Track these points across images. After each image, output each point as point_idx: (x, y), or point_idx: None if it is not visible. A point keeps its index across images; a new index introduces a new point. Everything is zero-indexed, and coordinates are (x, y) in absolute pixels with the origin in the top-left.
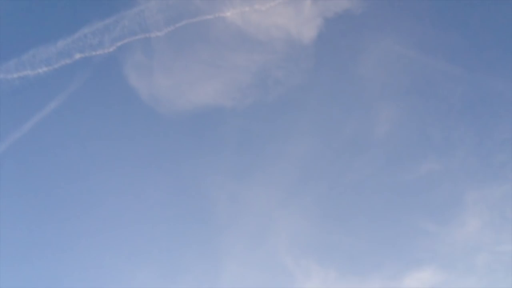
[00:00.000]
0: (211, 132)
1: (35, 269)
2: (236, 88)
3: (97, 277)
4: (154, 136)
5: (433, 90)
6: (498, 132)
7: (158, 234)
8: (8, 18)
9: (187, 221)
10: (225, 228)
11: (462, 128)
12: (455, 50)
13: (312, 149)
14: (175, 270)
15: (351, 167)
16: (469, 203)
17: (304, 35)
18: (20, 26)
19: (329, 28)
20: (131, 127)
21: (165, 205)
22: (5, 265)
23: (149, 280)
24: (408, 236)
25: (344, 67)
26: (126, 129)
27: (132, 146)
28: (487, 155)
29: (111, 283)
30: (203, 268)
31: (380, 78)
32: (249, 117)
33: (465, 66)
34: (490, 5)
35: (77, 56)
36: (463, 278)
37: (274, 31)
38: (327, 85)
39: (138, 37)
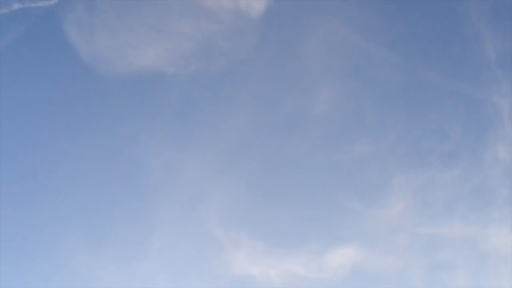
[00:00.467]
0: (151, 97)
1: None
2: (179, 55)
3: (22, 238)
4: (91, 96)
5: (372, 75)
6: (428, 121)
7: (87, 196)
8: None
9: (118, 185)
10: (157, 195)
11: (395, 114)
12: (397, 39)
13: (250, 123)
14: (102, 234)
15: (287, 144)
16: (394, 186)
17: (253, 8)
18: None
19: (278, 4)
20: (67, 85)
21: (96, 167)
22: None
23: (75, 243)
24: (335, 214)
25: (289, 44)
26: (62, 86)
27: (66, 105)
28: (416, 142)
29: (36, 244)
30: (132, 234)
31: (322, 59)
32: (190, 86)
33: (404, 55)
34: None
35: (16, 6)
36: (384, 257)
37: (223, 1)
38: (271, 61)
39: None
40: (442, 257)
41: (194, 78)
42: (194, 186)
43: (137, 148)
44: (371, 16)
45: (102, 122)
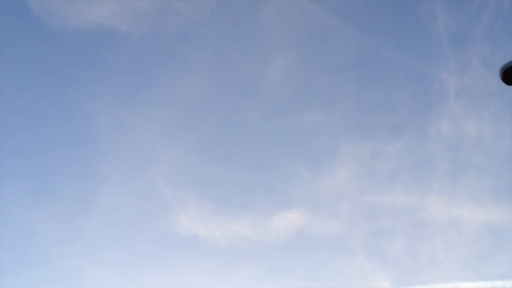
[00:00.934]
0: (102, 54)
1: None
2: (134, 13)
3: None
4: (41, 51)
5: (326, 45)
6: (377, 94)
7: (33, 152)
8: None
9: (66, 141)
10: (106, 152)
11: (346, 85)
12: (353, 12)
13: (204, 85)
14: (48, 190)
15: (239, 108)
16: (342, 155)
17: None
18: None
19: None
20: (16, 38)
21: (44, 123)
22: None
23: (18, 198)
24: (283, 179)
25: (247, 10)
26: (10, 38)
27: (13, 58)
28: (364, 114)
29: None
30: (78, 191)
31: (279, 27)
32: (144, 45)
33: (359, 28)
34: None
35: None
36: (328, 222)
37: None
38: (228, 25)
39: None
40: (383, 224)
41: (149, 38)
42: (143, 146)
43: (87, 105)
44: None
45: (52, 77)
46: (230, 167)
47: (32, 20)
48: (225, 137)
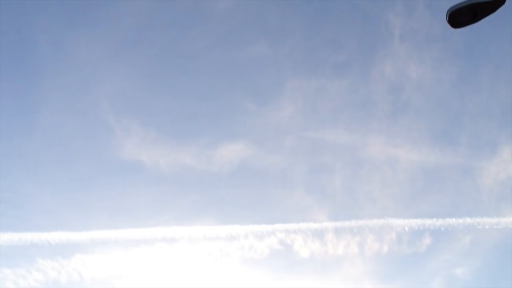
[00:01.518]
0: None
1: None
2: None
3: None
4: None
5: None
6: (325, 30)
7: None
8: None
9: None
10: (46, 72)
11: (296, 20)
12: None
13: (151, 10)
14: None
15: (186, 36)
16: (287, 90)
17: None
18: None
19: None
20: None
21: None
22: None
23: None
24: (228, 110)
25: None
26: None
27: None
28: (312, 50)
29: None
30: (17, 108)
31: None
32: None
33: None
34: None
35: None
36: (271, 155)
37: None
38: None
39: None
40: (324, 160)
41: None
42: (86, 67)
43: (26, 20)
44: None
45: None
46: (175, 95)
47: None
48: (170, 64)
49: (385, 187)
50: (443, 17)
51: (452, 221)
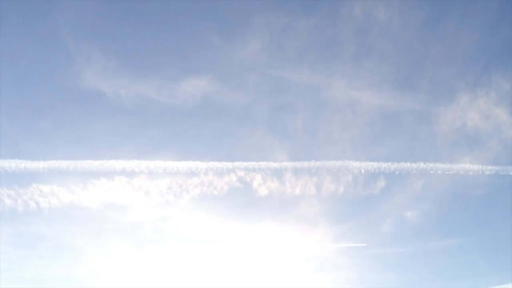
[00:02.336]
0: None
1: None
2: None
3: None
4: None
5: None
6: None
7: None
8: None
9: None
10: None
11: None
12: None
13: None
14: None
15: None
16: (254, 26)
17: None
18: None
19: None
20: None
21: None
22: None
23: None
24: (193, 44)
25: None
26: None
27: None
28: None
29: None
30: None
31: None
32: None
33: None
34: None
35: None
36: (234, 92)
37: None
38: None
39: None
40: (286, 100)
41: None
42: None
43: None
44: None
45: None
46: (139, 23)
47: None
48: None
49: (345, 130)
50: None
51: (406, 165)
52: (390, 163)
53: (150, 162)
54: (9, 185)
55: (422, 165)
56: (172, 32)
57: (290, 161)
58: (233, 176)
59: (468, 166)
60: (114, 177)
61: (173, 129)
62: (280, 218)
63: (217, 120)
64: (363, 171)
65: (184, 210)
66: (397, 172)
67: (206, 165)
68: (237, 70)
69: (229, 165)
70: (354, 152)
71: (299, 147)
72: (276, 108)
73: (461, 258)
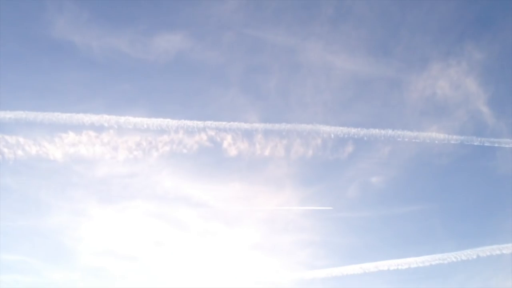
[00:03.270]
0: None
1: None
2: None
3: None
4: None
5: None
6: None
7: None
8: None
9: None
10: None
11: None
12: None
13: None
14: None
15: None
16: None
17: None
18: None
19: None
20: None
21: None
22: None
23: None
24: None
25: None
26: None
27: None
28: None
29: None
30: None
31: None
32: None
33: None
34: None
35: None
36: (209, 50)
37: None
38: None
39: None
40: (261, 61)
41: None
42: None
43: None
44: None
45: None
46: None
47: None
48: None
49: (317, 94)
50: None
51: (375, 131)
52: (359, 129)
53: (119, 117)
54: None
55: (390, 132)
56: None
57: (261, 122)
58: (204, 135)
59: (434, 134)
60: (82, 131)
61: (144, 85)
62: (248, 179)
63: (190, 77)
64: (332, 135)
65: (152, 167)
66: (365, 138)
67: (177, 123)
68: (213, 28)
69: (200, 124)
70: (325, 116)
71: (271, 109)
72: (250, 69)
73: (422, 224)
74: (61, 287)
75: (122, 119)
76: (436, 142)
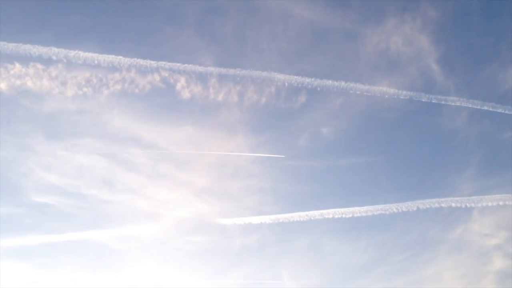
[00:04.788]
0: None
1: None
2: None
3: None
4: None
5: None
6: None
7: None
8: None
9: None
10: None
11: None
12: None
13: None
14: None
15: None
16: None
17: None
18: None
19: None
20: None
21: None
22: None
23: None
24: None
25: None
26: None
27: None
28: None
29: None
30: None
31: None
32: None
33: None
34: None
35: None
36: None
37: None
38: None
39: None
40: (219, 3)
41: None
42: None
43: None
44: None
45: None
46: None
47: None
48: None
49: (274, 41)
50: None
51: (328, 82)
52: (313, 79)
53: (69, 51)
54: None
55: (343, 84)
56: None
57: (215, 66)
58: (157, 76)
59: (385, 89)
60: (29, 62)
61: (97, 18)
62: (200, 123)
63: (145, 14)
64: (286, 84)
65: (103, 105)
66: (318, 89)
67: (129, 61)
68: None
69: (153, 63)
70: (279, 64)
71: (226, 53)
72: (206, 10)
73: (367, 175)
74: (5, 222)
75: (72, 53)
76: (386, 96)
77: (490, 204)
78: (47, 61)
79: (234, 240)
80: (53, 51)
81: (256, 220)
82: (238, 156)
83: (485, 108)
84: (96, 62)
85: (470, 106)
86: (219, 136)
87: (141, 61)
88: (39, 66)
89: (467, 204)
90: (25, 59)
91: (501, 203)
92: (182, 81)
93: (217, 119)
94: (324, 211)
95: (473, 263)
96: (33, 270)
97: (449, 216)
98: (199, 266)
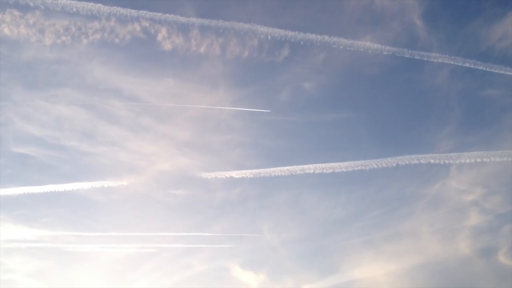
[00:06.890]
0: None
1: None
2: None
3: None
4: None
5: None
6: None
7: None
8: None
9: None
10: None
11: None
12: None
13: None
14: None
15: None
16: None
17: None
18: None
19: None
20: None
21: None
22: None
23: None
24: None
25: None
26: None
27: None
28: None
29: None
30: None
31: None
32: None
33: None
34: None
35: None
36: None
37: None
38: None
39: None
40: None
41: None
42: None
43: None
44: None
45: None
46: None
47: None
48: None
49: None
50: None
51: (311, 36)
52: (296, 32)
53: None
54: None
55: (326, 38)
56: None
57: (198, 17)
58: (137, 26)
59: (368, 44)
60: (5, 9)
61: None
62: (182, 75)
63: None
64: (269, 37)
65: (82, 55)
66: (302, 43)
67: (109, 9)
68: None
69: (134, 12)
70: (263, 16)
71: (209, 3)
72: None
73: (348, 131)
74: None
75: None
76: (369, 51)
77: (468, 161)
78: (24, 8)
79: (215, 193)
80: None
81: (237, 174)
82: (220, 110)
83: (467, 65)
84: (74, 9)
85: (452, 63)
86: (201, 89)
87: (121, 10)
88: (16, 12)
89: (446, 161)
90: (1, 5)
91: (478, 160)
92: (163, 31)
93: (199, 71)
94: (305, 166)
95: (449, 219)
96: (13, 221)
97: (428, 172)
98: (180, 219)
